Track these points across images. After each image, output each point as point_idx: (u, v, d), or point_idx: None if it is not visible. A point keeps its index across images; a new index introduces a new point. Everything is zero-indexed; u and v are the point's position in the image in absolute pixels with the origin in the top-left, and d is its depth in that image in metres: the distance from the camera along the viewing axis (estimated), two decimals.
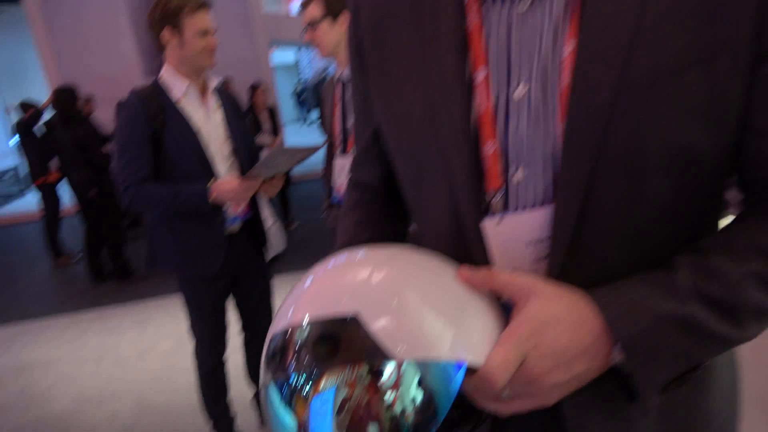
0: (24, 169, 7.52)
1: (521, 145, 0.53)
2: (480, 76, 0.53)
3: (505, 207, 0.55)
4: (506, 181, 0.54)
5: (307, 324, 0.44)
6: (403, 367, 0.41)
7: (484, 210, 0.56)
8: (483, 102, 0.53)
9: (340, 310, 0.43)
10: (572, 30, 0.49)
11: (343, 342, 0.43)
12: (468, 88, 0.54)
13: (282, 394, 0.44)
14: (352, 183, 0.78)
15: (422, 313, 0.44)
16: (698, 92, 0.46)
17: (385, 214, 0.73)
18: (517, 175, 0.54)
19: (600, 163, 0.48)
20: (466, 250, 0.56)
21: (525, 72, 0.52)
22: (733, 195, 0.54)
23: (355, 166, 0.77)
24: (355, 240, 0.68)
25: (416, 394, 0.41)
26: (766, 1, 0.44)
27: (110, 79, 5.98)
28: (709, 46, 0.45)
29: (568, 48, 0.49)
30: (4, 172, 9.52)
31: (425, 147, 0.58)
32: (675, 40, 0.46)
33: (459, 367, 0.43)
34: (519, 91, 0.52)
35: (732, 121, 0.47)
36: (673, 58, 0.46)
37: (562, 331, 0.46)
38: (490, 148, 0.54)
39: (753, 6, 0.44)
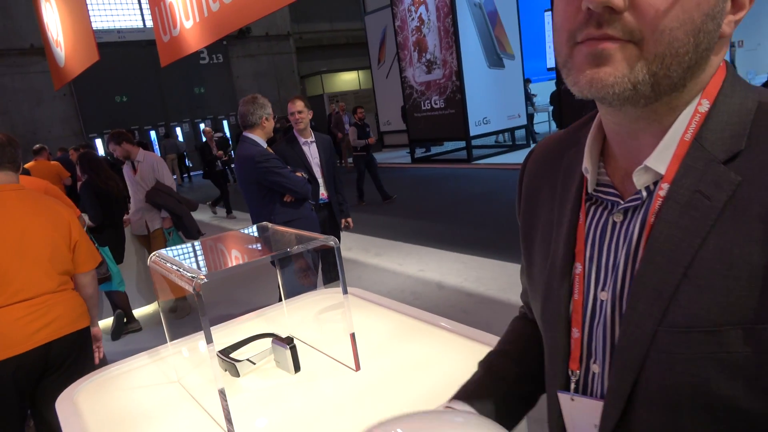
0: None
1: (598, 341, 0.60)
2: (577, 269, 0.63)
3: (584, 389, 0.62)
4: (586, 367, 0.62)
5: None
6: None
7: (565, 383, 0.64)
8: (576, 293, 0.63)
9: None
10: (640, 256, 0.55)
11: None
12: (571, 276, 0.63)
13: None
14: (520, 310, 0.89)
15: None
16: (741, 354, 0.48)
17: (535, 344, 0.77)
18: (593, 367, 0.61)
19: (638, 385, 0.54)
20: (555, 409, 0.66)
21: (609, 279, 0.59)
22: None
23: (523, 297, 0.86)
24: (499, 350, 0.83)
25: None
26: None
27: None
28: (758, 312, 0.47)
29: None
30: None
31: (542, 312, 0.69)
32: (718, 296, 0.49)
33: None
34: (603, 294, 0.60)
35: None
36: (712, 313, 0.49)
37: None
38: (575, 333, 0.63)
39: None
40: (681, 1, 0.49)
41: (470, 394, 0.76)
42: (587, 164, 0.63)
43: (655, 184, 0.57)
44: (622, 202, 0.60)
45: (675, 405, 0.52)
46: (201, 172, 17.70)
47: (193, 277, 1.19)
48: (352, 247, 5.92)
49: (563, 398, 0.64)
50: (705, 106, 0.55)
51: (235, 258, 1.60)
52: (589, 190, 0.64)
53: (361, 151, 8.56)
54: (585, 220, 0.64)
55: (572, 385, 0.64)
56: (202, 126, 18.54)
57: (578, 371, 0.63)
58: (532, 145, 8.17)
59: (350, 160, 12.89)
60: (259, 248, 1.69)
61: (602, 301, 0.61)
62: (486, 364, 0.82)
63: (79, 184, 5.76)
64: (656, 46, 0.51)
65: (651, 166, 0.56)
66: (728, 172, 0.52)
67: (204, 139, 10.05)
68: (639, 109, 0.55)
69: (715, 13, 0.51)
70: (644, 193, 0.58)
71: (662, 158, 0.56)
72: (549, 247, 0.68)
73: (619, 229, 0.60)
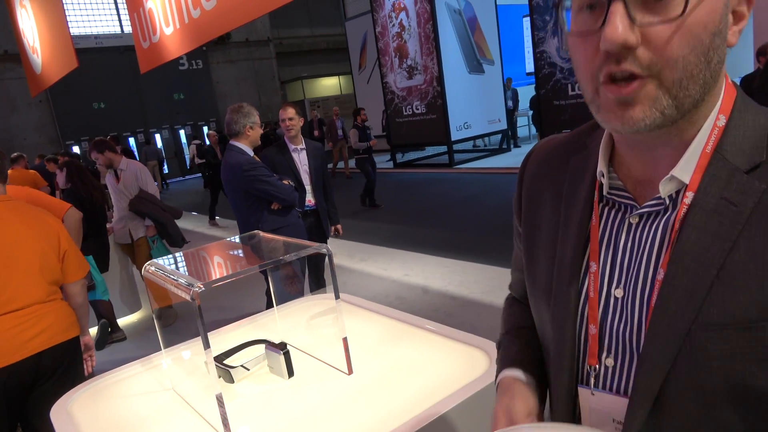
0: None
1: (613, 337, 0.64)
2: (592, 268, 0.67)
3: (598, 384, 0.65)
4: (601, 362, 0.65)
5: None
6: None
7: (582, 378, 0.68)
8: (592, 291, 0.66)
9: None
10: (666, 260, 0.59)
11: None
12: (583, 274, 0.68)
13: None
14: (512, 297, 0.95)
15: None
16: None
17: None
18: (607, 361, 0.65)
19: (668, 384, 0.57)
20: (563, 402, 0.70)
21: (624, 277, 0.63)
22: None
23: (512, 289, 0.94)
24: (519, 325, 0.86)
25: None
26: None
27: None
28: None
29: (660, 275, 0.59)
30: None
31: (545, 309, 0.72)
32: (755, 295, 0.53)
33: None
34: (618, 292, 0.64)
35: None
36: (748, 311, 0.53)
37: None
38: (592, 330, 0.65)
39: None
40: (688, 27, 0.53)
41: (520, 361, 0.79)
42: (602, 168, 0.68)
43: (677, 192, 0.61)
44: (637, 206, 0.64)
45: (707, 400, 0.55)
46: (180, 178, 17.66)
47: (190, 285, 1.23)
48: (337, 252, 5.95)
49: (583, 392, 0.67)
50: (722, 120, 0.60)
51: (230, 267, 1.64)
52: (604, 193, 0.68)
53: (363, 153, 8.53)
54: (599, 221, 0.68)
55: (591, 380, 0.66)
56: (182, 132, 18.40)
57: (597, 366, 0.66)
58: (513, 149, 8.34)
59: (339, 165, 12.89)
60: (252, 257, 1.73)
61: (616, 298, 0.64)
62: (516, 338, 0.84)
63: (57, 193, 5.70)
64: (673, 73, 0.55)
65: (677, 176, 0.60)
66: (752, 181, 0.56)
67: (201, 144, 9.56)
68: (665, 129, 0.59)
69: (721, 29, 0.55)
70: (667, 201, 0.62)
71: (686, 169, 0.60)
72: (555, 248, 0.71)
73: (635, 231, 0.64)
